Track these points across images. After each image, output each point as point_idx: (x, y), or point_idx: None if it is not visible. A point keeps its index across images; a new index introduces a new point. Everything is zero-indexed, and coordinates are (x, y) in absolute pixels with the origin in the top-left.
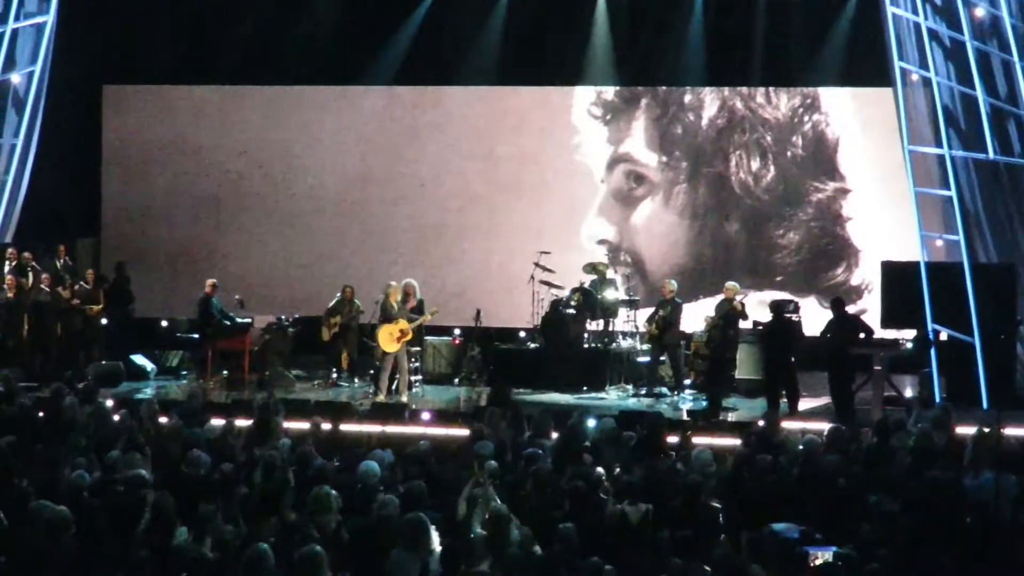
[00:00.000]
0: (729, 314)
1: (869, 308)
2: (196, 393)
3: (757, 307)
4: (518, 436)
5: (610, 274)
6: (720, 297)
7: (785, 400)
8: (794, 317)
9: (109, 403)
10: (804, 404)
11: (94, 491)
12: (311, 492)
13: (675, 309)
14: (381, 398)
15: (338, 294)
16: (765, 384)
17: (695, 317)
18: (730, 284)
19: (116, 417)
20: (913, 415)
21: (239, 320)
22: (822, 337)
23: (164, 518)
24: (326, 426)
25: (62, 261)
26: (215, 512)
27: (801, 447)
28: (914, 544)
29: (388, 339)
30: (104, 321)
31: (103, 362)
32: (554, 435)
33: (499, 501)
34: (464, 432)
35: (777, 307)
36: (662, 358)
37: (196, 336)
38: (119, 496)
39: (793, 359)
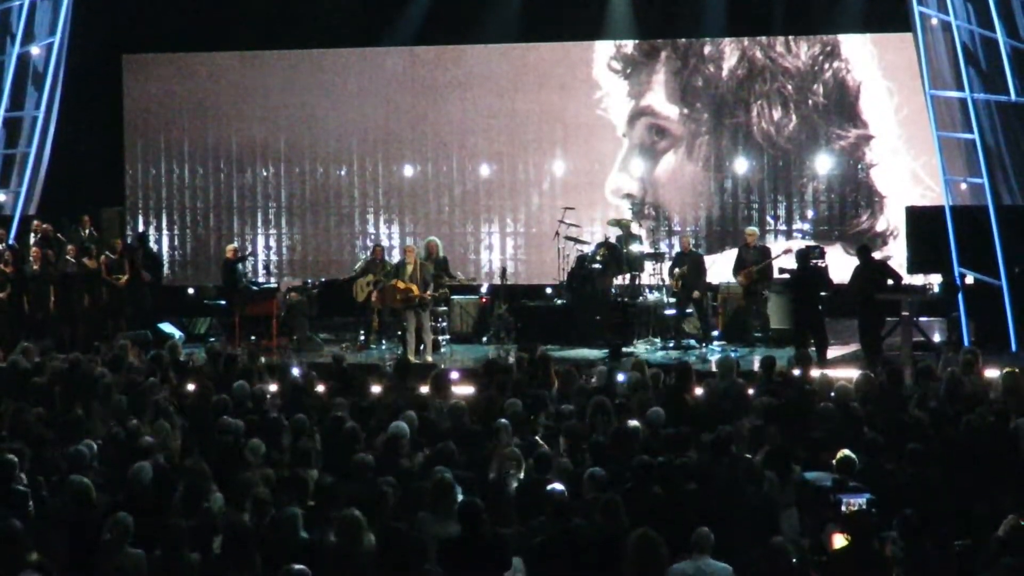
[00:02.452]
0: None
1: (895, 254)
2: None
3: (783, 257)
4: (548, 392)
5: (635, 228)
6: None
7: (813, 348)
8: (820, 263)
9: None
10: (833, 352)
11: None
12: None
13: (694, 262)
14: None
15: (366, 254)
16: (793, 332)
17: (723, 268)
18: (750, 229)
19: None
20: (942, 359)
21: (265, 285)
22: (850, 285)
23: (198, 485)
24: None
25: (87, 231)
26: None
27: (832, 394)
28: (952, 487)
29: (392, 298)
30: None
31: (131, 331)
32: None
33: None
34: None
35: (803, 255)
36: (688, 310)
37: (222, 302)
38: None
39: (821, 307)
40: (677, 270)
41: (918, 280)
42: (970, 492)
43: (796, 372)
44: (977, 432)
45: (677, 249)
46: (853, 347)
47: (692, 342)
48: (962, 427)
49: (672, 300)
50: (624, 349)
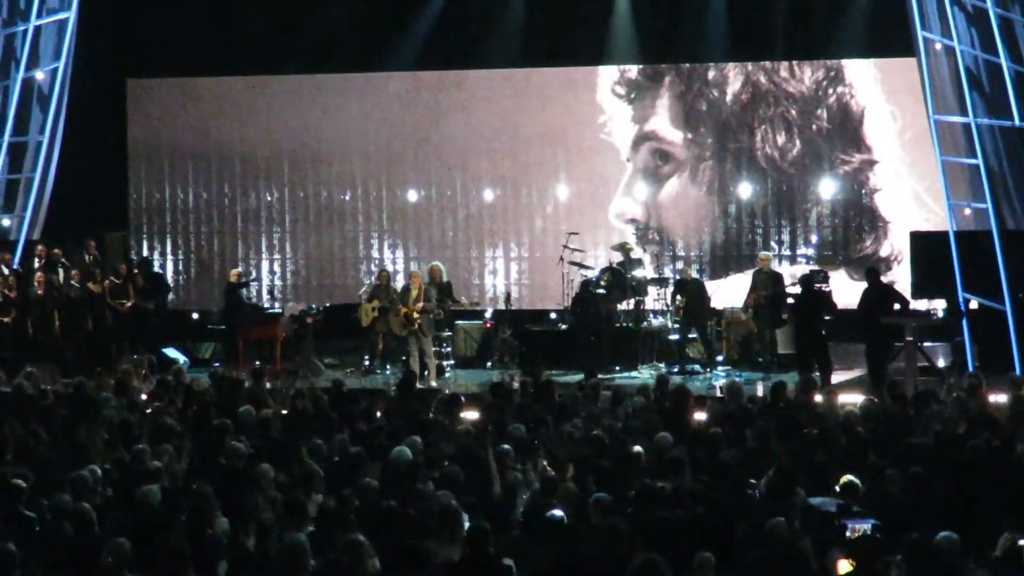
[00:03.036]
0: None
1: (899, 279)
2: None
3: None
4: (551, 416)
5: (639, 253)
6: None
7: (817, 373)
8: (824, 287)
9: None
10: (838, 376)
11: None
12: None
13: (696, 289)
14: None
15: (372, 280)
16: (797, 357)
17: (728, 293)
18: (763, 253)
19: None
20: (946, 384)
21: (269, 310)
22: (860, 309)
23: (203, 509)
24: None
25: (91, 256)
26: (257, 502)
27: (840, 419)
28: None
29: (396, 324)
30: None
31: (135, 355)
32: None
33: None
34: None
35: (806, 279)
36: (691, 335)
37: (225, 327)
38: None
39: (824, 332)
40: (679, 298)
41: (922, 305)
42: (975, 517)
43: (800, 396)
44: (983, 456)
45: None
46: (858, 372)
47: (696, 367)
48: (968, 451)
49: (675, 326)
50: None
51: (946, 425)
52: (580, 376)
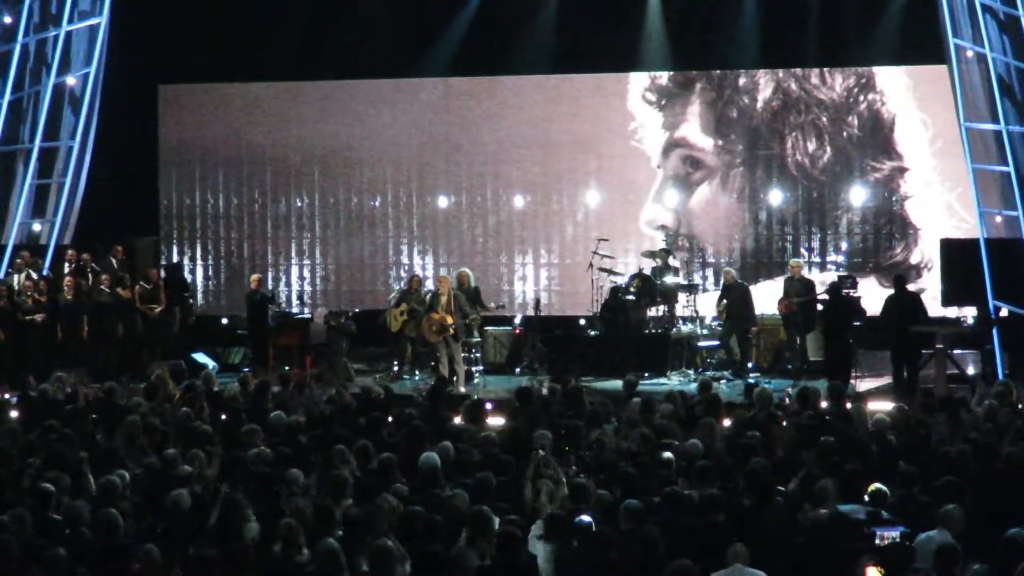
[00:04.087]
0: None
1: (929, 286)
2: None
3: (818, 289)
4: (577, 422)
5: (669, 259)
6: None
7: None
8: (852, 293)
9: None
10: (867, 384)
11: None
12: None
13: (740, 293)
14: None
15: (401, 285)
16: (826, 364)
17: (758, 300)
18: (794, 261)
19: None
20: (976, 392)
21: (299, 315)
22: (883, 315)
23: (234, 514)
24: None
25: (119, 261)
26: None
27: (871, 426)
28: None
29: (428, 330)
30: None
31: (166, 360)
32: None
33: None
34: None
35: (835, 286)
36: (717, 342)
37: (253, 332)
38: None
39: (851, 339)
40: (724, 301)
41: (952, 313)
42: (1005, 525)
43: (828, 404)
44: (1016, 466)
45: (722, 281)
46: (886, 379)
47: (727, 374)
48: (1003, 460)
49: (706, 332)
50: (658, 380)
51: (977, 434)
52: (611, 382)
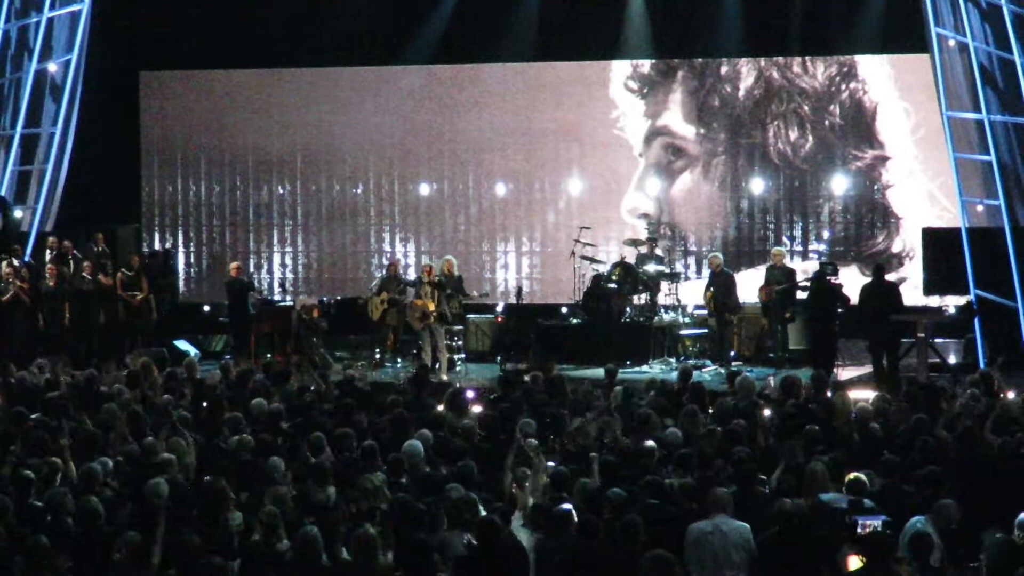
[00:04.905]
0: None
1: (911, 275)
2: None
3: (800, 277)
4: (561, 411)
5: (651, 248)
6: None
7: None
8: (834, 279)
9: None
10: (848, 372)
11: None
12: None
13: (724, 281)
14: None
15: (382, 272)
16: (809, 352)
17: (739, 288)
18: (776, 249)
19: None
20: (957, 382)
21: (280, 303)
22: (860, 302)
23: (217, 502)
24: None
25: (99, 248)
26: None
27: (853, 415)
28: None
29: (411, 316)
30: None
31: (147, 348)
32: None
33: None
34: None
35: (818, 274)
36: (704, 330)
37: (235, 320)
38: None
39: (837, 324)
40: (710, 291)
41: (934, 301)
42: (989, 514)
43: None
44: (997, 454)
45: (707, 269)
46: (867, 368)
47: (708, 362)
48: (995, 449)
49: (688, 320)
50: (641, 368)
51: (959, 423)
52: (592, 370)
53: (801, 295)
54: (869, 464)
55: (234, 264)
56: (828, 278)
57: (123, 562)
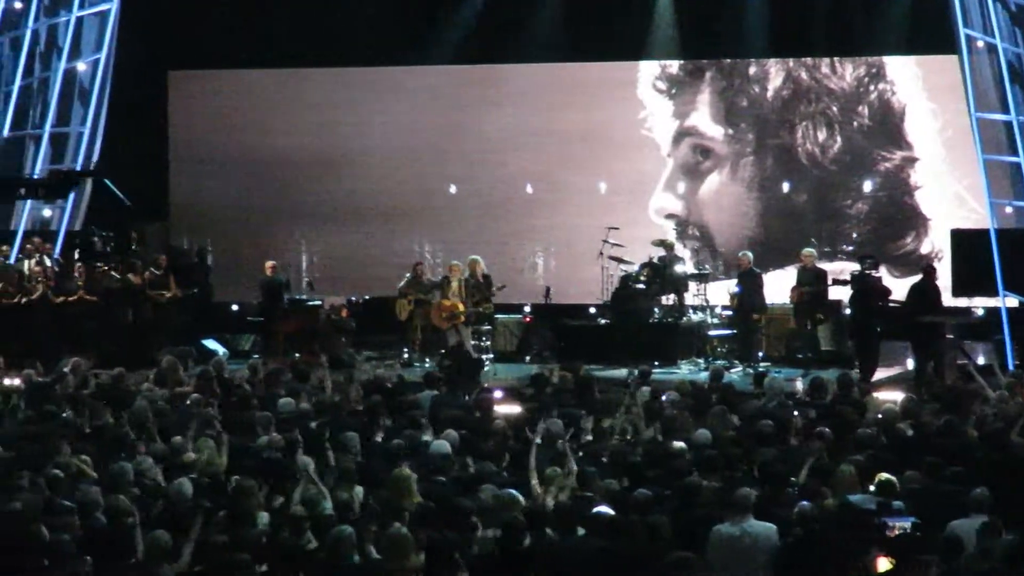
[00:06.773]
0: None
1: (939, 276)
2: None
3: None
4: (589, 412)
5: (679, 248)
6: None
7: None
8: (874, 273)
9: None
10: (882, 372)
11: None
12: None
13: (752, 281)
14: None
15: (408, 274)
16: (855, 351)
17: (767, 289)
18: (807, 250)
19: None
20: (987, 384)
21: (308, 301)
22: (907, 304)
23: (244, 502)
24: None
25: (132, 247)
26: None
27: (880, 415)
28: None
29: (437, 316)
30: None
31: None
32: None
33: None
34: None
35: (861, 273)
36: (733, 330)
37: (264, 319)
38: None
39: (876, 321)
40: (736, 290)
41: (963, 303)
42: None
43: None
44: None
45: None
46: (898, 369)
47: (736, 363)
48: (1010, 450)
49: (716, 321)
50: (668, 369)
51: (987, 424)
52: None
53: (836, 294)
54: (897, 465)
55: (269, 263)
56: (868, 272)
57: (148, 561)
